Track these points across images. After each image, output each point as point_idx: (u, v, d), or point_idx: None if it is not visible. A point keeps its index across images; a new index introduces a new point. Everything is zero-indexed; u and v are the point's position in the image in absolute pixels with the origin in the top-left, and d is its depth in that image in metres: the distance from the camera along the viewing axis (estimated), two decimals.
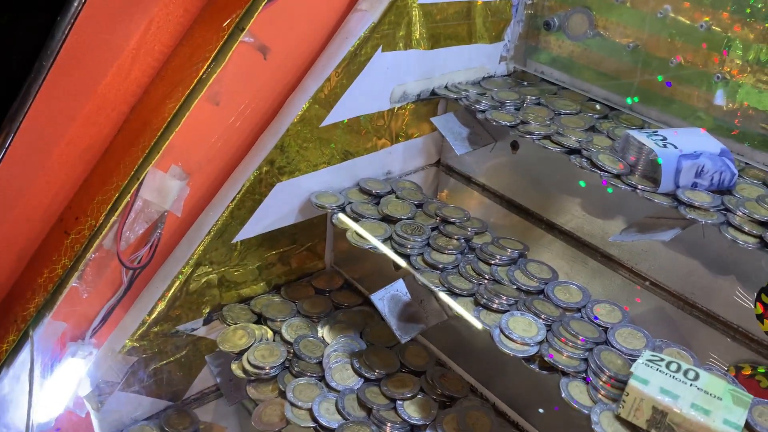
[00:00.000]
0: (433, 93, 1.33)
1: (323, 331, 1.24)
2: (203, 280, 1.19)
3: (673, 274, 1.12)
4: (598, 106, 1.29)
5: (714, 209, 1.00)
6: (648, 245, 1.13)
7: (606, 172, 1.07)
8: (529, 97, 1.30)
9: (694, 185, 1.04)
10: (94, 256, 1.07)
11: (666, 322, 1.13)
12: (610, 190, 1.06)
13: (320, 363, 1.17)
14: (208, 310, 1.22)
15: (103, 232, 1.03)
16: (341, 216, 1.20)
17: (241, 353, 1.17)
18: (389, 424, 1.07)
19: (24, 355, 1.00)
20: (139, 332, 1.13)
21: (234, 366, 1.16)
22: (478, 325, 1.00)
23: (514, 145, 1.33)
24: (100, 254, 1.09)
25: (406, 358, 1.19)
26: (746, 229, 0.96)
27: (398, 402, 1.10)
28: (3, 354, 1.00)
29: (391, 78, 1.25)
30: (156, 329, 1.15)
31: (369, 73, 1.20)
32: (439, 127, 1.31)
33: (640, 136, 1.08)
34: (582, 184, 1.17)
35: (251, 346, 1.17)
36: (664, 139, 1.07)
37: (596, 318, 1.01)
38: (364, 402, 1.10)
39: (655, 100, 1.22)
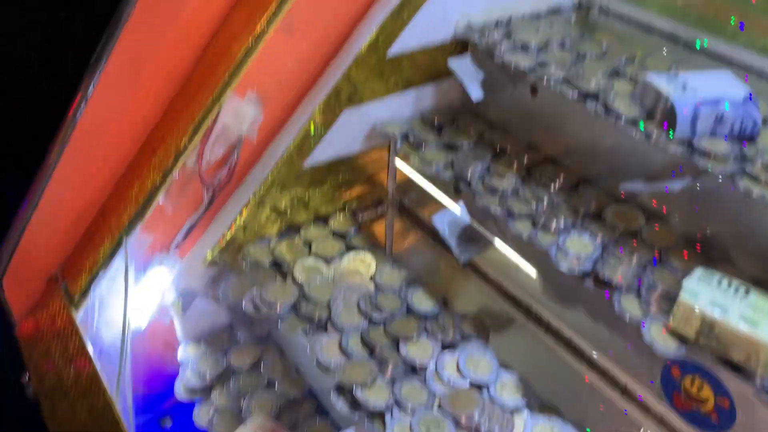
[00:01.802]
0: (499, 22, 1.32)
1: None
2: (275, 201, 1.27)
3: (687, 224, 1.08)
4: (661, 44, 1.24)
5: (731, 158, 0.95)
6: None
7: (621, 118, 1.03)
8: (554, 38, 1.24)
9: (713, 133, 0.99)
10: (178, 174, 1.16)
11: None
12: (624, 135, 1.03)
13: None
14: (282, 227, 1.30)
15: (187, 152, 1.12)
16: (405, 144, 1.25)
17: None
18: (391, 363, 1.09)
19: (118, 261, 1.11)
20: (219, 247, 1.22)
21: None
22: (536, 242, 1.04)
23: (533, 89, 1.29)
24: (183, 173, 1.17)
25: (412, 300, 1.20)
26: (763, 179, 0.91)
27: (401, 343, 1.12)
28: (100, 259, 1.11)
29: (456, 8, 1.27)
30: (234, 245, 1.24)
31: (433, 3, 1.23)
32: (456, 71, 1.29)
33: (658, 81, 1.04)
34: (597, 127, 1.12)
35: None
36: (684, 83, 1.02)
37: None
38: (368, 342, 1.12)
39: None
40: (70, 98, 1.08)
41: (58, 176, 1.10)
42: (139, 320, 1.19)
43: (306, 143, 1.25)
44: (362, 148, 1.34)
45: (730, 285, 0.91)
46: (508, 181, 1.17)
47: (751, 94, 1.00)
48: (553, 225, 1.08)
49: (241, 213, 1.23)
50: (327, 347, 1.12)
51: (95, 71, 1.04)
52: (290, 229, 1.33)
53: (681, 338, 0.91)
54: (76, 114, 1.07)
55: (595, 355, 1.11)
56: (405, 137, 1.29)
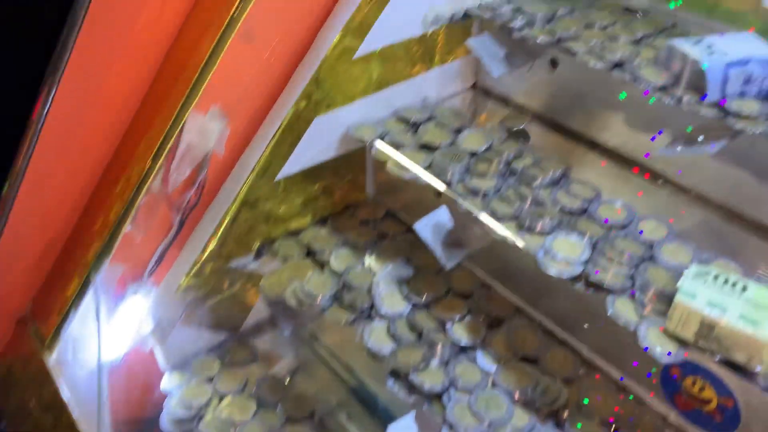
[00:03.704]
0: (465, 14, 1.29)
1: (370, 260, 1.27)
2: (251, 216, 1.22)
3: (720, 185, 1.10)
4: (638, 15, 1.24)
5: (763, 117, 0.96)
6: (693, 158, 1.11)
7: (650, 85, 1.03)
8: (560, 9, 1.25)
9: (742, 93, 1.00)
10: (144, 201, 1.10)
11: (713, 234, 1.12)
12: (652, 100, 1.03)
13: (370, 291, 1.20)
14: (258, 245, 1.26)
15: (151, 177, 1.06)
16: (380, 146, 1.20)
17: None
18: (440, 344, 1.11)
19: (89, 299, 1.06)
20: (193, 270, 1.17)
21: (288, 295, 1.20)
22: (522, 243, 1.00)
23: (554, 63, 1.29)
24: (149, 198, 1.12)
25: (452, 282, 1.21)
26: None
27: (447, 324, 1.14)
28: (70, 298, 1.06)
29: (423, 1, 1.22)
30: (209, 267, 1.19)
31: None
32: (475, 49, 1.27)
33: (684, 45, 1.03)
34: (623, 96, 1.13)
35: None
36: (710, 46, 1.02)
37: (641, 233, 1.00)
38: (415, 325, 1.13)
39: (699, 4, 1.17)
40: (20, 131, 1.02)
41: (15, 215, 1.05)
42: (117, 355, 1.15)
43: (278, 154, 1.19)
44: (338, 154, 1.29)
45: (726, 281, 0.87)
46: (489, 181, 1.12)
47: None
48: (539, 226, 1.03)
49: (214, 233, 1.18)
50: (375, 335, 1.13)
51: (44, 104, 0.98)
52: (268, 245, 1.29)
53: (679, 341, 0.87)
54: (29, 148, 1.01)
55: (594, 356, 1.08)
56: (380, 139, 1.23)
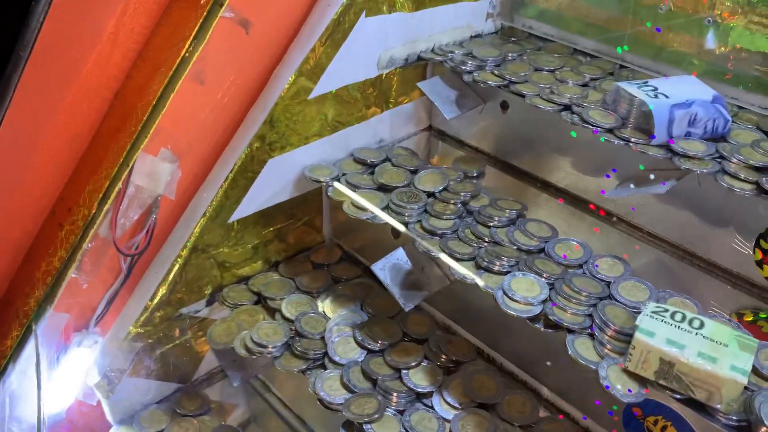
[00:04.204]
0: (419, 57, 1.31)
1: (324, 306, 1.24)
2: (202, 262, 1.18)
3: (670, 225, 1.12)
4: (582, 59, 1.27)
5: (709, 158, 0.99)
6: (644, 198, 1.13)
7: (598, 127, 1.05)
8: (510, 54, 1.28)
9: (688, 134, 1.03)
10: (90, 246, 1.06)
11: (666, 273, 1.13)
12: (603, 138, 1.05)
13: (323, 338, 1.17)
14: (209, 292, 1.22)
15: (98, 221, 1.02)
16: (337, 187, 1.19)
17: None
18: (395, 394, 1.07)
19: (29, 350, 1.01)
20: (142, 318, 1.13)
21: (237, 344, 1.16)
22: (481, 283, 1.00)
23: (504, 105, 1.31)
24: (96, 243, 1.08)
25: (408, 326, 1.19)
26: (742, 176, 0.95)
27: (403, 371, 1.10)
28: (8, 350, 1.00)
29: (377, 44, 1.23)
30: (159, 314, 1.15)
31: (354, 40, 1.17)
32: (427, 92, 1.29)
33: (630, 87, 1.06)
34: (573, 134, 1.14)
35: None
36: (655, 89, 1.05)
37: (597, 271, 1.00)
38: (369, 373, 1.10)
39: (646, 49, 1.20)
40: None
41: None
42: (60, 409, 1.08)
43: (231, 196, 1.17)
44: (293, 195, 1.27)
45: (684, 318, 0.87)
46: (447, 221, 1.12)
47: (717, 95, 1.03)
48: (497, 265, 1.03)
49: (164, 279, 1.13)
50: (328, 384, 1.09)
51: None
52: (219, 291, 1.25)
53: (641, 379, 0.86)
54: None
55: (554, 398, 1.07)
56: (336, 181, 1.22)
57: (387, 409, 1.06)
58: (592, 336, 0.92)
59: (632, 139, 1.03)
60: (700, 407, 0.84)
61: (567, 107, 1.12)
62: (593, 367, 0.88)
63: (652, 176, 1.06)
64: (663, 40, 1.17)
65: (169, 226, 1.15)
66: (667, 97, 1.03)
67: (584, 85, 1.20)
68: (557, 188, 1.27)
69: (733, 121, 1.05)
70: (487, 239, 1.09)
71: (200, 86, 1.10)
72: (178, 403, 1.23)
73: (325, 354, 1.14)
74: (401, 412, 1.06)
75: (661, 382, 0.85)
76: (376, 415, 1.04)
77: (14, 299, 1.01)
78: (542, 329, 0.95)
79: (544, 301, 0.96)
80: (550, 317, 0.94)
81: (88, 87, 1.01)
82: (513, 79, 1.19)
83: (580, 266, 1.03)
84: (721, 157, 1.00)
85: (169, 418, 1.20)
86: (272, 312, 1.23)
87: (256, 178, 1.18)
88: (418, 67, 1.35)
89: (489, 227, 1.11)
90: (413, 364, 1.11)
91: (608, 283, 0.99)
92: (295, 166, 1.23)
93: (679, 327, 0.86)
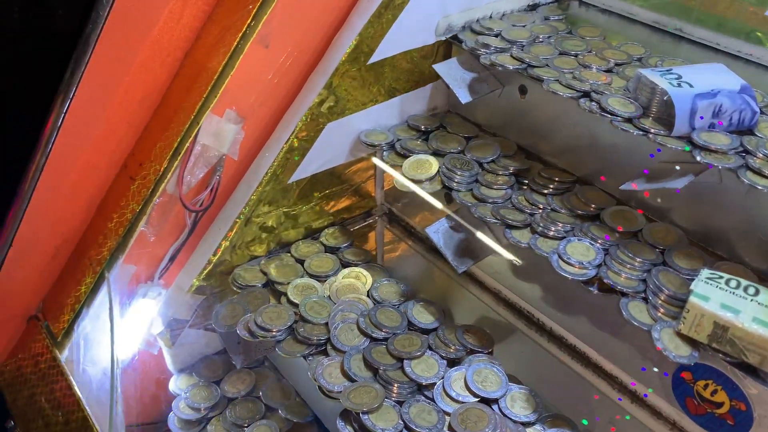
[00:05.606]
0: (471, 29, 1.29)
1: (330, 291, 1.22)
2: (263, 219, 1.22)
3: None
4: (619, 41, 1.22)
5: (732, 152, 0.93)
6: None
7: (617, 116, 1.00)
8: (540, 35, 1.23)
9: (712, 126, 0.97)
10: (159, 201, 1.11)
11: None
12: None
13: (326, 324, 1.14)
14: (269, 247, 1.26)
15: (167, 177, 1.07)
16: (391, 153, 1.21)
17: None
18: (396, 384, 1.05)
19: (101, 296, 1.06)
20: (205, 272, 1.17)
21: (240, 327, 1.12)
22: (535, 248, 1.01)
23: (522, 90, 1.25)
24: (164, 198, 1.13)
25: (413, 315, 1.16)
26: (766, 172, 0.89)
27: (405, 361, 1.07)
28: (82, 295, 1.05)
29: (436, 10, 1.24)
30: (221, 268, 1.19)
31: (414, 6, 1.19)
32: (442, 74, 1.25)
33: (652, 75, 1.01)
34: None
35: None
36: (679, 77, 0.99)
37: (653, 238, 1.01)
38: (371, 362, 1.07)
39: (707, 20, 1.18)
40: (38, 129, 1.03)
41: (31, 212, 1.05)
42: (127, 354, 1.14)
43: (290, 158, 1.20)
44: (348, 160, 1.30)
45: (738, 285, 0.88)
46: (498, 190, 1.13)
47: (745, 85, 0.98)
48: (552, 231, 1.04)
49: (226, 235, 1.18)
50: (329, 371, 1.07)
51: (64, 99, 0.98)
52: (280, 248, 1.29)
53: (693, 343, 0.88)
54: (47, 146, 1.01)
55: (603, 361, 1.08)
56: (391, 146, 1.25)
57: (386, 399, 1.03)
58: (645, 300, 0.94)
59: (652, 130, 0.97)
60: (753, 371, 0.85)
61: (586, 94, 1.06)
62: (646, 329, 0.90)
63: (670, 170, 1.00)
64: (725, 10, 1.15)
65: (232, 184, 1.19)
66: (691, 86, 0.97)
67: (608, 71, 1.13)
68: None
69: (762, 113, 0.99)
70: (542, 206, 1.10)
71: (265, 50, 1.13)
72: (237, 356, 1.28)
73: (328, 340, 1.12)
74: (401, 404, 1.03)
75: (714, 345, 0.86)
76: (374, 405, 1.01)
77: (88, 248, 1.06)
78: (596, 292, 0.97)
79: (599, 266, 0.98)
80: (605, 280, 0.95)
81: (160, 46, 1.04)
82: (532, 63, 1.14)
83: (635, 235, 1.04)
84: (746, 151, 0.94)
85: (227, 369, 1.25)
86: (278, 295, 1.20)
87: (314, 141, 1.21)
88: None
89: (545, 195, 1.12)
90: (417, 354, 1.08)
91: (663, 251, 1.00)
92: (352, 131, 1.26)
93: (734, 293, 0.87)
